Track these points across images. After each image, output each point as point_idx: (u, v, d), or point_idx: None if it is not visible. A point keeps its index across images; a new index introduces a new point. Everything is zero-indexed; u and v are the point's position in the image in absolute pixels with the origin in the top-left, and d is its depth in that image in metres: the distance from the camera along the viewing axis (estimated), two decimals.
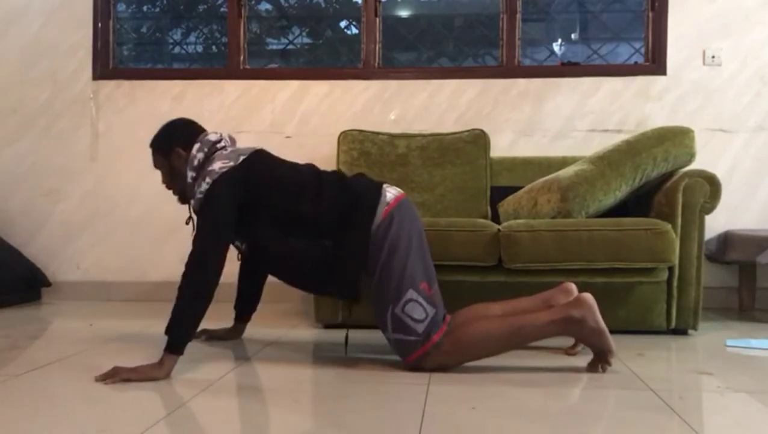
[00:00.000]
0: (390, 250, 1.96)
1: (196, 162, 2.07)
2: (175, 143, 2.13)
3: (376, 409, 1.65)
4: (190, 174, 2.07)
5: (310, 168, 2.15)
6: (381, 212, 1.99)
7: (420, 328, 1.94)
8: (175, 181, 2.16)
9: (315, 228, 2.02)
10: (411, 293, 1.94)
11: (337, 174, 2.16)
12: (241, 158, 2.05)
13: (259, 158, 2.09)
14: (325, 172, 2.15)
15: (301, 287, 2.18)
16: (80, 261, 3.58)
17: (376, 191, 2.04)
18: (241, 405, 1.70)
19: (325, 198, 2.03)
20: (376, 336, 2.05)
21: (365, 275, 2.01)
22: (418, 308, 1.94)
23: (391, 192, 2.06)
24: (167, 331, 1.89)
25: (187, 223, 2.13)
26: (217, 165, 2.01)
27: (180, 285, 1.91)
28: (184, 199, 2.19)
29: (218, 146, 2.12)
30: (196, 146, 2.09)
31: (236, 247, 2.16)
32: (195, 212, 2.05)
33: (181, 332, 1.90)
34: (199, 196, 2.00)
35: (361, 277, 2.01)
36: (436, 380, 1.89)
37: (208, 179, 1.99)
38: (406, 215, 2.03)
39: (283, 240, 2.03)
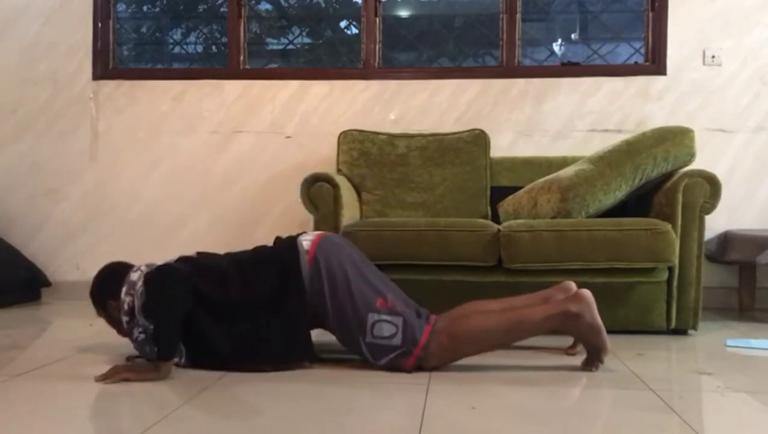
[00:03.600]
0: (331, 291, 1.97)
1: (126, 307, 2.02)
2: (105, 296, 2.12)
3: (376, 409, 1.65)
4: (124, 319, 2.03)
5: (229, 257, 2.12)
6: (305, 263, 1.99)
7: (398, 341, 1.94)
8: (120, 328, 2.12)
9: (251, 310, 1.99)
10: (372, 316, 1.95)
11: (253, 252, 2.12)
12: (157, 263, 2.03)
13: (179, 259, 2.06)
14: (243, 254, 2.12)
15: (256, 365, 2.02)
16: (80, 261, 3.58)
17: (293, 247, 2.03)
18: (240, 406, 1.70)
19: (250, 279, 2.01)
20: None
21: (323, 325, 2.03)
22: (385, 325, 1.94)
23: (306, 239, 2.05)
24: (153, 340, 1.91)
25: (128, 360, 2.07)
26: (135, 276, 2.01)
27: (153, 307, 1.92)
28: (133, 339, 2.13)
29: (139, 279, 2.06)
30: (123, 289, 2.04)
31: (175, 364, 2.02)
32: (140, 353, 2.02)
33: (165, 342, 1.90)
34: (138, 337, 1.98)
35: (310, 337, 2.01)
36: (436, 380, 1.89)
37: (140, 281, 1.98)
38: (329, 251, 2.02)
39: (224, 330, 1.99)
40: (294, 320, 1.99)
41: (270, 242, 2.17)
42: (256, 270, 2.05)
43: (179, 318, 1.92)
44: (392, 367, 1.97)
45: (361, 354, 1.99)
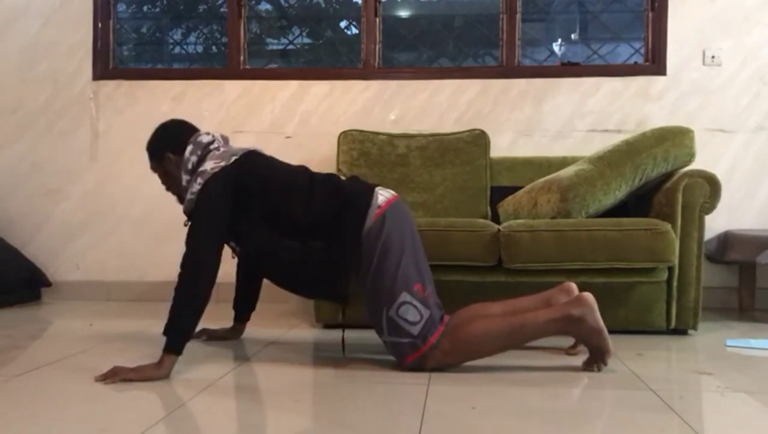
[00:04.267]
0: (382, 252, 1.96)
1: (189, 165, 2.06)
2: (166, 147, 2.14)
3: (376, 409, 1.65)
4: (185, 178, 2.07)
5: (303, 170, 2.15)
6: (372, 214, 1.99)
7: (415, 330, 1.94)
8: (171, 185, 2.17)
9: (306, 230, 2.01)
10: (405, 296, 1.94)
11: (329, 177, 2.15)
12: (233, 158, 2.04)
13: (251, 158, 2.09)
14: (317, 174, 2.15)
15: (292, 289, 2.16)
16: (80, 261, 3.58)
17: (368, 193, 2.04)
18: (240, 405, 1.70)
19: (316, 200, 2.03)
20: (374, 336, 2.05)
21: (357, 278, 2.01)
22: (412, 311, 1.94)
23: (383, 195, 2.06)
24: (165, 331, 1.90)
25: (185, 224, 2.13)
26: (209, 165, 2.02)
27: (176, 286, 1.91)
28: (183, 201, 2.18)
29: (211, 147, 2.11)
30: (189, 148, 2.09)
31: (230, 247, 2.16)
32: (187, 213, 2.05)
33: (179, 332, 1.90)
34: (191, 197, 2.00)
35: (350, 280, 2.01)
36: (436, 380, 1.89)
37: (199, 180, 1.99)
38: (398, 217, 2.03)
39: (275, 241, 2.02)
40: (339, 256, 1.98)
41: None
42: (326, 195, 2.04)
43: (199, 311, 1.92)
44: (394, 350, 1.97)
45: (377, 321, 1.98)
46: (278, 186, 2.05)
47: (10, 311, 3.16)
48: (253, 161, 2.09)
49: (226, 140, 2.22)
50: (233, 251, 2.18)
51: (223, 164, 2.02)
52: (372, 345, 2.20)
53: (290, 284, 2.13)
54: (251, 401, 1.75)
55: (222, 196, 1.99)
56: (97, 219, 3.60)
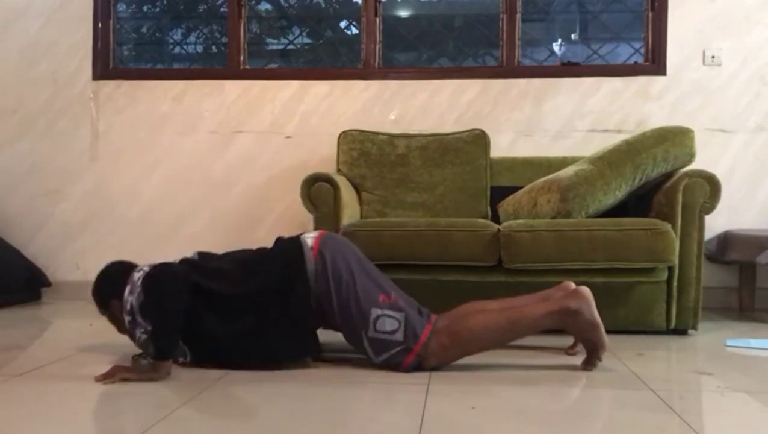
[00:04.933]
0: (336, 284, 1.97)
1: (128, 306, 2.02)
2: (109, 295, 2.11)
3: (376, 409, 1.65)
4: (127, 319, 2.03)
5: (231, 257, 2.13)
6: (309, 257, 2.00)
7: (400, 336, 1.94)
8: (122, 328, 2.11)
9: (256, 303, 1.99)
10: (375, 311, 1.95)
11: (256, 252, 2.13)
12: (157, 262, 2.03)
13: (182, 261, 2.07)
14: (245, 253, 2.13)
15: (262, 362, 2.04)
16: (80, 261, 3.58)
17: (296, 244, 2.04)
18: (240, 406, 1.70)
19: (253, 278, 2.02)
20: None
21: (327, 322, 2.03)
22: (389, 320, 1.95)
23: (310, 237, 2.06)
24: (153, 339, 1.91)
25: (134, 359, 2.04)
26: (135, 276, 2.01)
27: (151, 308, 1.92)
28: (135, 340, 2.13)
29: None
30: (127, 289, 2.03)
31: (182, 364, 2.04)
32: (140, 343, 2.02)
33: (163, 342, 1.90)
34: (138, 292, 1.97)
35: (315, 333, 2.02)
36: (436, 380, 1.89)
37: (137, 285, 1.98)
38: (334, 247, 2.04)
39: (229, 323, 1.99)
40: (299, 315, 1.99)
41: (270, 243, 2.17)
42: (260, 267, 2.05)
43: (177, 319, 1.91)
44: (391, 364, 1.97)
45: (362, 349, 1.99)
46: (214, 272, 2.03)
47: (10, 311, 3.16)
48: (183, 262, 2.07)
49: (153, 265, 2.13)
50: (182, 363, 2.05)
51: (147, 269, 2.01)
52: None
53: (256, 361, 2.03)
54: (251, 401, 1.75)
55: (170, 276, 1.95)
56: (97, 219, 3.60)
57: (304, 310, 1.99)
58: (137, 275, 2.04)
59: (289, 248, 2.06)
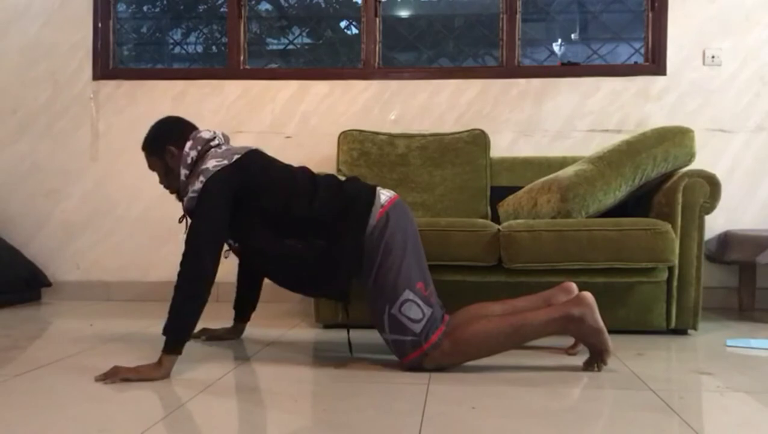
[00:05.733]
0: (385, 251, 1.96)
1: (189, 160, 2.05)
2: (167, 141, 2.12)
3: (376, 409, 1.65)
4: (183, 172, 2.06)
5: (304, 170, 2.16)
6: (376, 213, 1.99)
7: (417, 328, 1.94)
8: (171, 180, 2.15)
9: (308, 229, 2.01)
10: (407, 294, 1.94)
11: (331, 177, 2.15)
12: (236, 157, 2.03)
13: (253, 157, 2.08)
14: (319, 174, 2.15)
15: (293, 287, 2.16)
16: (80, 261, 3.58)
17: (371, 193, 2.05)
18: (240, 406, 1.70)
19: (319, 199, 2.03)
20: (375, 336, 2.05)
21: (359, 277, 2.01)
22: (414, 309, 1.94)
23: (385, 194, 2.07)
24: (165, 331, 1.89)
25: (180, 221, 2.12)
26: (211, 163, 2.00)
27: (176, 285, 1.91)
28: (181, 196, 2.18)
29: (212, 144, 2.11)
30: (189, 143, 2.08)
31: (229, 245, 2.15)
32: (187, 211, 2.04)
33: (178, 332, 1.90)
34: (192, 195, 1.99)
35: (351, 279, 2.01)
36: (436, 380, 1.89)
37: (201, 178, 1.98)
38: (401, 216, 2.04)
39: (276, 240, 2.02)
40: (341, 254, 1.98)
41: None
42: (328, 195, 2.05)
43: (198, 312, 1.91)
44: (395, 348, 1.97)
45: (379, 319, 1.98)
46: (280, 185, 2.05)
47: (10, 311, 3.16)
48: (255, 160, 2.08)
49: (227, 138, 2.22)
50: (230, 248, 2.17)
51: (225, 162, 2.01)
52: (373, 344, 2.20)
53: (291, 283, 2.13)
54: (251, 401, 1.75)
55: (223, 195, 1.98)
56: (97, 219, 3.60)
57: (349, 256, 1.98)
58: (206, 135, 2.11)
59: (363, 192, 2.05)
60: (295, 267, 2.04)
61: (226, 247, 2.10)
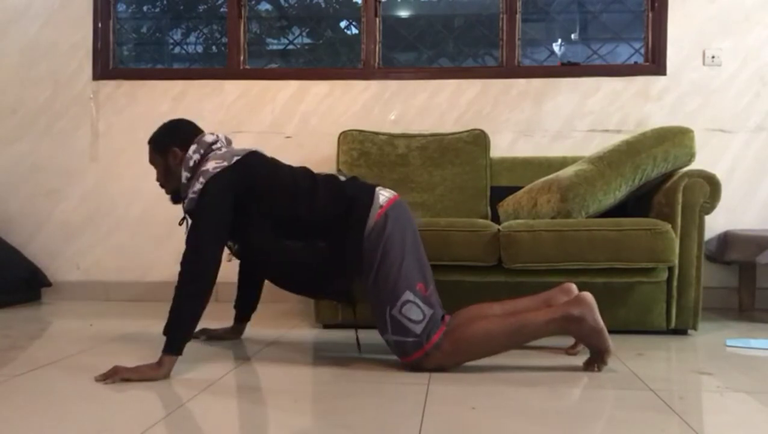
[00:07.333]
0: (385, 251, 1.97)
1: (191, 163, 2.07)
2: (173, 142, 2.14)
3: (376, 409, 1.65)
4: (185, 174, 2.07)
5: (305, 170, 2.16)
6: (375, 213, 1.99)
7: (418, 329, 1.94)
8: (169, 180, 2.16)
9: (309, 230, 2.01)
10: (408, 295, 1.95)
11: (331, 177, 2.15)
12: (235, 158, 2.04)
13: (253, 159, 2.09)
14: (319, 174, 2.15)
15: (296, 290, 2.17)
16: (80, 261, 3.58)
17: (370, 193, 2.05)
18: (240, 405, 1.70)
19: (318, 200, 2.03)
20: (375, 336, 2.05)
21: (359, 278, 2.01)
22: (415, 310, 1.94)
23: (384, 194, 2.07)
24: (165, 331, 1.89)
25: (180, 224, 2.13)
26: (211, 165, 2.01)
27: (176, 285, 1.91)
28: (176, 199, 2.18)
29: (214, 147, 2.12)
30: (193, 147, 2.09)
31: (228, 247, 2.16)
32: (188, 212, 2.05)
33: (179, 332, 1.90)
34: (192, 196, 2.00)
35: (353, 280, 2.01)
36: (436, 380, 1.89)
37: (201, 179, 1.99)
38: (401, 217, 2.04)
39: (277, 242, 2.02)
40: (342, 255, 1.98)
41: None
42: (329, 196, 2.05)
43: (198, 314, 1.92)
44: (397, 349, 1.97)
45: (381, 319, 1.98)
46: (281, 186, 2.06)
47: (10, 311, 3.16)
48: (255, 161, 2.08)
49: (229, 141, 2.24)
50: (230, 250, 2.18)
51: (225, 164, 2.02)
52: (373, 345, 2.20)
53: (293, 284, 2.13)
54: (251, 401, 1.75)
55: (224, 196, 1.98)
56: (97, 219, 3.60)
57: (350, 257, 1.98)
58: (209, 138, 2.12)
59: (362, 192, 2.05)
60: (296, 269, 2.05)
61: (227, 252, 2.11)
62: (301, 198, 2.03)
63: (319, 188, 2.06)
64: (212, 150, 2.11)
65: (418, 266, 2.01)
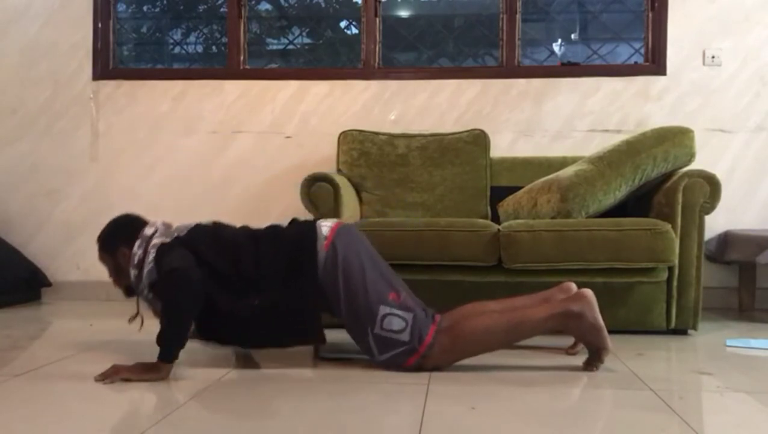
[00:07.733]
0: (345, 278, 1.97)
1: (136, 260, 2.04)
2: (120, 242, 2.12)
3: (376, 409, 1.65)
4: (133, 272, 2.05)
5: (244, 230, 2.14)
6: (322, 246, 2.00)
7: (405, 337, 1.94)
8: (120, 277, 2.14)
9: (262, 285, 2.00)
10: (384, 309, 1.95)
11: (271, 228, 2.14)
12: (175, 235, 2.05)
13: (193, 230, 2.08)
14: (259, 230, 2.13)
15: (271, 344, 2.09)
16: (80, 261, 3.58)
17: (312, 229, 2.05)
18: (240, 406, 1.70)
19: (263, 253, 2.02)
20: None
21: (330, 312, 2.02)
22: (396, 320, 1.94)
23: (326, 225, 2.07)
24: (158, 342, 1.90)
25: (130, 321, 2.13)
26: (157, 241, 2.03)
27: (165, 298, 1.91)
28: (130, 292, 2.15)
29: (154, 238, 2.07)
30: (137, 243, 2.06)
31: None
32: (152, 284, 2.02)
33: (172, 342, 1.90)
34: (149, 266, 1.99)
35: (320, 318, 2.01)
36: (436, 380, 1.89)
37: (152, 251, 2.00)
38: (348, 240, 2.04)
39: (238, 301, 1.99)
40: (304, 299, 1.98)
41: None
42: (272, 247, 2.04)
43: (188, 323, 1.92)
44: (392, 364, 1.97)
45: (365, 345, 1.98)
46: (224, 249, 2.04)
47: (10, 311, 3.16)
48: (195, 231, 2.08)
49: (167, 226, 2.17)
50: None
51: (167, 240, 2.03)
52: None
53: (265, 340, 2.06)
54: (251, 401, 1.75)
55: (180, 250, 1.99)
56: (97, 219, 3.56)
57: (309, 295, 1.97)
58: (149, 230, 2.08)
59: (303, 232, 2.05)
60: (264, 322, 2.00)
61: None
62: (245, 259, 2.02)
63: (261, 243, 2.05)
64: (152, 240, 2.07)
65: (383, 278, 2.01)
